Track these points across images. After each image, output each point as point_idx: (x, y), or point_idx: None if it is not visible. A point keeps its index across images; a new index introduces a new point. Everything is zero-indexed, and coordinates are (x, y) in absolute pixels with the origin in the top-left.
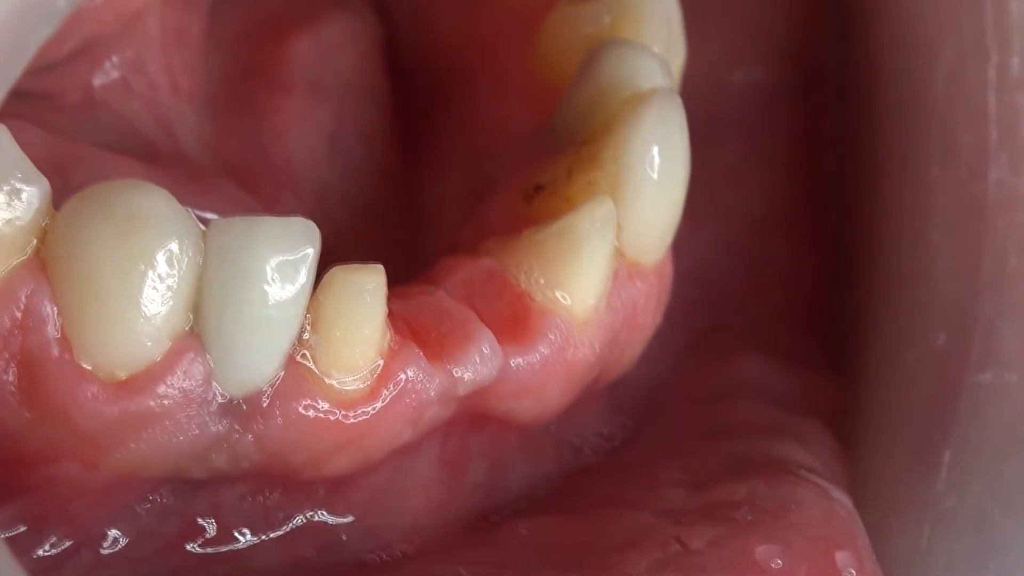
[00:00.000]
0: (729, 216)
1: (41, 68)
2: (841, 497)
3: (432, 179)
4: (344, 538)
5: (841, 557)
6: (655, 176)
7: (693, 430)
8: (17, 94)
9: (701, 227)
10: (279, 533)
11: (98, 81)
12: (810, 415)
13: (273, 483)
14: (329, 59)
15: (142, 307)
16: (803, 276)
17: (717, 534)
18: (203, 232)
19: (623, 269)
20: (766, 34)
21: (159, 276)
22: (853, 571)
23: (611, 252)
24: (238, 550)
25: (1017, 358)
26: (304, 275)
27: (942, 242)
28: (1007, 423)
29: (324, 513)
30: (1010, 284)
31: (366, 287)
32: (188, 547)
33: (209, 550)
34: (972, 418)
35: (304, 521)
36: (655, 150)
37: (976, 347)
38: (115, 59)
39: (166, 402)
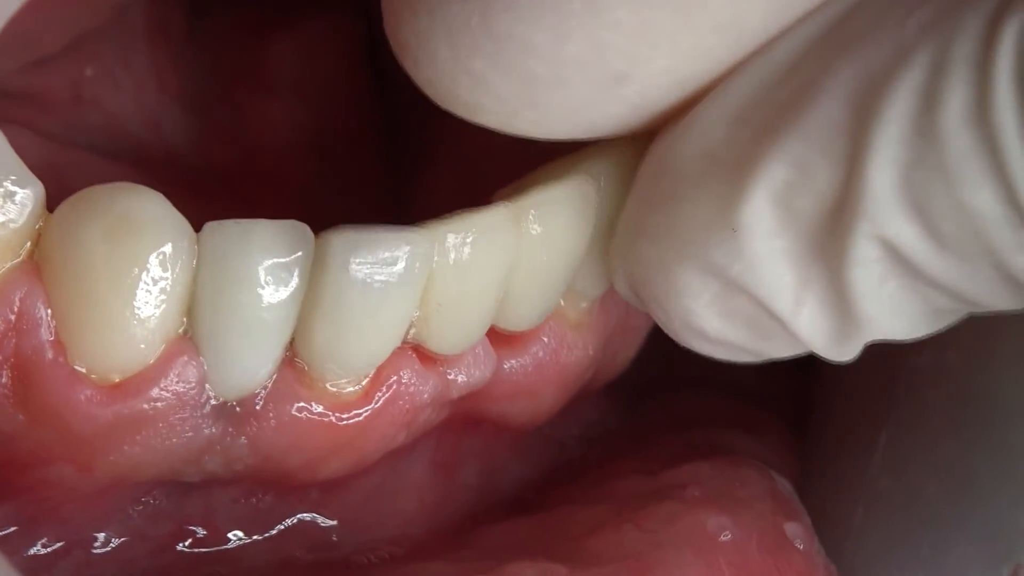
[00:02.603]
0: None
1: (30, 64)
2: (782, 480)
3: (423, 183)
4: (335, 539)
5: (790, 528)
6: None
7: (655, 422)
8: (6, 94)
9: None
10: (270, 533)
11: (86, 76)
12: (769, 405)
13: (266, 486)
14: (310, 61)
15: (136, 310)
16: None
17: (668, 512)
18: (196, 235)
19: None
20: None
21: (152, 279)
22: (801, 543)
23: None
24: (229, 549)
25: (954, 338)
26: (297, 278)
27: None
28: (944, 403)
29: (316, 515)
30: None
31: None
32: (179, 547)
33: (200, 550)
34: (909, 400)
35: (296, 522)
36: None
37: None
38: (102, 53)
39: (160, 405)
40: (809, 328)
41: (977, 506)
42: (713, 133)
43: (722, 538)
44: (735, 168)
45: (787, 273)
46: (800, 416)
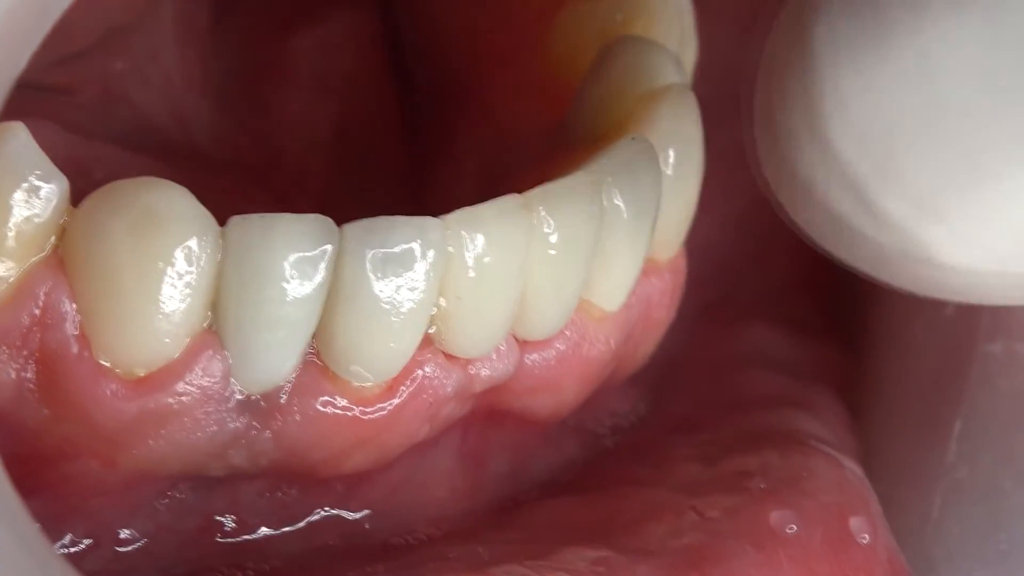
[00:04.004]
0: (737, 190)
1: (60, 59)
2: (852, 466)
3: (445, 177)
4: (367, 527)
5: (855, 522)
6: (670, 173)
7: (705, 404)
8: (35, 88)
9: (710, 201)
10: (299, 526)
11: (114, 72)
12: (819, 383)
13: (291, 480)
14: (333, 56)
15: (161, 304)
16: (803, 245)
17: (732, 503)
18: (221, 229)
19: None
20: (771, 12)
21: (177, 273)
22: (867, 536)
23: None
24: (258, 539)
25: None
26: (322, 272)
27: None
28: (1017, 393)
29: (343, 509)
30: None
31: None
32: (207, 540)
33: (229, 540)
34: (982, 388)
35: (323, 515)
36: (670, 148)
37: (986, 317)
38: (130, 49)
39: (185, 399)
40: None
41: None
42: None
43: (785, 532)
44: None
45: None
46: (846, 393)
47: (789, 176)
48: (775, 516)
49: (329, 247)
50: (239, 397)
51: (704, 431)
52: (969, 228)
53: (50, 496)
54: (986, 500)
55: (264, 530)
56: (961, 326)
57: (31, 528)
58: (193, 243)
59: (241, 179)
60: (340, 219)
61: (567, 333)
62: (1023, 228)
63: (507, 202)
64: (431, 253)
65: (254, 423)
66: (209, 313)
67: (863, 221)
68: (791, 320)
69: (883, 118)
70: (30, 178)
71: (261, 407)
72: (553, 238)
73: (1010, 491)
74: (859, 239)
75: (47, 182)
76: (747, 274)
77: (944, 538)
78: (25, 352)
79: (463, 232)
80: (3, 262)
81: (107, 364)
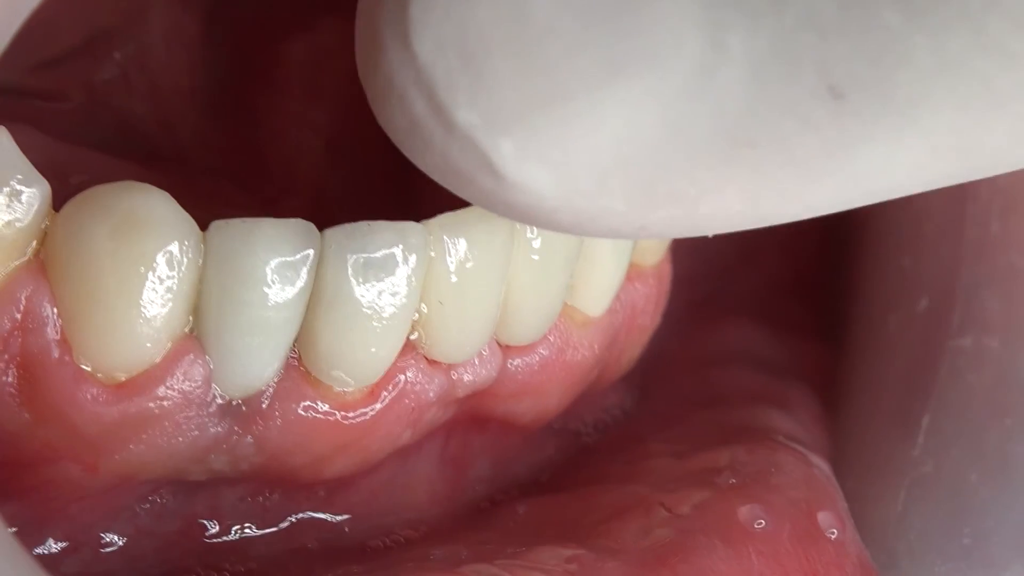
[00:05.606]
0: None
1: (44, 63)
2: (819, 462)
3: (434, 183)
4: (347, 530)
5: (823, 517)
6: None
7: (681, 400)
8: (19, 93)
9: None
10: (280, 527)
11: (100, 78)
12: (797, 381)
13: (273, 485)
14: (325, 62)
15: (142, 309)
16: (794, 244)
17: (701, 498)
18: (202, 234)
19: None
20: None
21: (159, 278)
22: (836, 531)
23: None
24: (236, 541)
25: (997, 323)
26: (304, 277)
27: (926, 208)
28: (986, 388)
29: (324, 513)
30: (992, 250)
31: None
32: (188, 543)
33: (209, 542)
34: (952, 383)
35: (303, 518)
36: None
37: (957, 312)
38: (117, 55)
39: (166, 404)
40: None
41: (1019, 495)
42: None
43: (754, 527)
44: None
45: None
46: (825, 390)
47: (374, 73)
48: (743, 511)
49: (311, 252)
50: (220, 402)
51: (678, 427)
52: (537, 146)
53: (30, 500)
54: (951, 495)
55: (242, 531)
56: (933, 321)
57: (4, 532)
58: (174, 248)
59: (229, 186)
60: (330, 225)
61: (550, 338)
62: (591, 153)
63: None
64: (413, 258)
65: (235, 428)
66: (190, 318)
67: (433, 127)
68: (775, 318)
69: (465, 25)
70: (11, 182)
71: (242, 412)
72: (536, 243)
73: (976, 486)
74: (431, 145)
75: (28, 186)
76: (734, 273)
77: (907, 532)
78: (6, 356)
79: (445, 237)
80: None
81: (88, 368)
